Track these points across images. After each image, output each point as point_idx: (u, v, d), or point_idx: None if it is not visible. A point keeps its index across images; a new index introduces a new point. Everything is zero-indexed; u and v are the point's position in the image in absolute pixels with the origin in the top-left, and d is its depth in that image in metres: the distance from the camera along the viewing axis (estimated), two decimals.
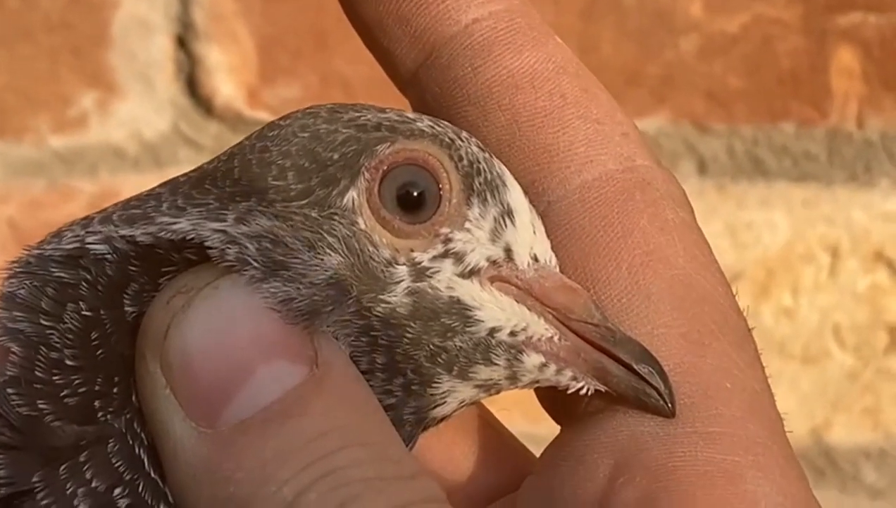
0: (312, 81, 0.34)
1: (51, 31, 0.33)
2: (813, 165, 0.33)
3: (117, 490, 0.15)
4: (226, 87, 0.34)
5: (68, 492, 0.15)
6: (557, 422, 0.18)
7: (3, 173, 0.34)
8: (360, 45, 0.32)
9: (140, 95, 0.34)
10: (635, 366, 0.16)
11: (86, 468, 0.15)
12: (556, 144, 0.17)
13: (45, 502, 0.15)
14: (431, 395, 0.16)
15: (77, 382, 0.15)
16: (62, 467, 0.15)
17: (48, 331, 0.15)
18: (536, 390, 0.17)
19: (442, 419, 0.17)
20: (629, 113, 0.17)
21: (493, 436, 0.19)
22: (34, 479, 0.15)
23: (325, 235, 0.16)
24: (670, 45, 0.33)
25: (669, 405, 0.15)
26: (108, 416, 0.15)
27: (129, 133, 0.34)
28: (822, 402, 0.34)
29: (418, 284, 0.16)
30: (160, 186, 0.16)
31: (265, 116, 0.34)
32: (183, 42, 0.34)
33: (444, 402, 0.16)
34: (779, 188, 0.33)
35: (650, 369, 0.16)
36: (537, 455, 0.18)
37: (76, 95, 0.34)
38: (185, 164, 0.34)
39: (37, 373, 0.15)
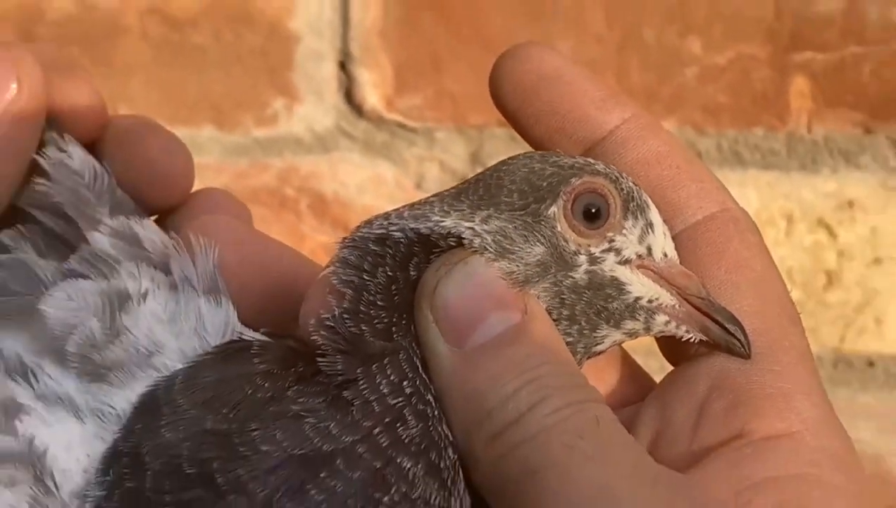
0: (430, 94, 0.44)
1: (254, 57, 0.44)
2: (776, 158, 0.43)
3: (405, 382, 0.19)
4: (371, 97, 0.44)
5: (377, 381, 0.19)
6: (671, 363, 0.22)
7: (220, 154, 0.45)
8: (464, 69, 0.44)
9: (314, 102, 0.44)
10: (727, 325, 0.20)
11: (387, 367, 0.19)
12: (678, 197, 0.22)
13: (363, 386, 0.19)
14: (595, 337, 0.21)
15: (383, 315, 0.20)
16: (373, 366, 0.19)
17: (367, 283, 0.20)
18: (659, 339, 0.22)
19: (599, 353, 0.21)
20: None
21: (628, 366, 0.24)
22: (357, 372, 0.19)
23: (536, 233, 0.20)
24: (679, 73, 0.43)
25: (747, 350, 0.20)
26: (400, 337, 0.20)
27: (306, 128, 0.45)
28: None
29: (592, 267, 0.20)
30: (433, 196, 0.22)
31: (398, 118, 0.45)
32: (343, 66, 0.44)
33: (602, 342, 0.21)
34: (752, 174, 0.43)
35: (736, 328, 0.20)
36: None
37: (271, 101, 0.45)
38: (343, 150, 0.45)
39: (360, 307, 0.20)
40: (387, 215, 0.21)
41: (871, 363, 0.45)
